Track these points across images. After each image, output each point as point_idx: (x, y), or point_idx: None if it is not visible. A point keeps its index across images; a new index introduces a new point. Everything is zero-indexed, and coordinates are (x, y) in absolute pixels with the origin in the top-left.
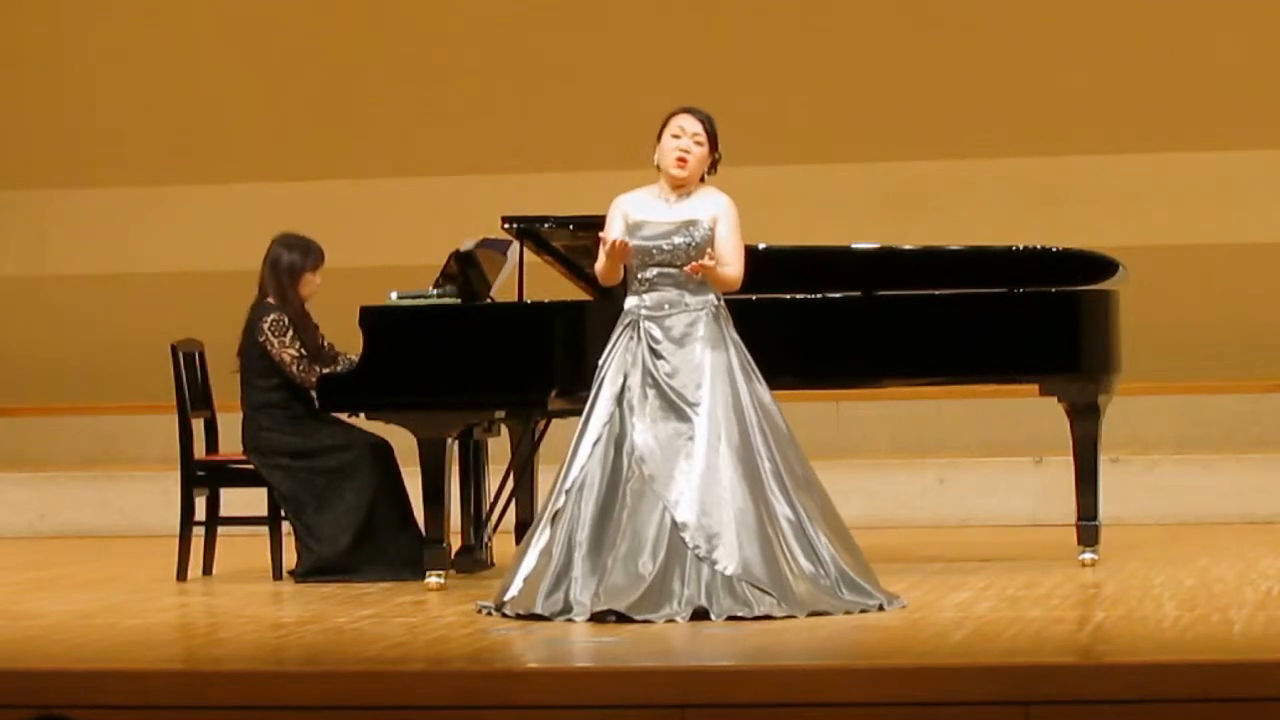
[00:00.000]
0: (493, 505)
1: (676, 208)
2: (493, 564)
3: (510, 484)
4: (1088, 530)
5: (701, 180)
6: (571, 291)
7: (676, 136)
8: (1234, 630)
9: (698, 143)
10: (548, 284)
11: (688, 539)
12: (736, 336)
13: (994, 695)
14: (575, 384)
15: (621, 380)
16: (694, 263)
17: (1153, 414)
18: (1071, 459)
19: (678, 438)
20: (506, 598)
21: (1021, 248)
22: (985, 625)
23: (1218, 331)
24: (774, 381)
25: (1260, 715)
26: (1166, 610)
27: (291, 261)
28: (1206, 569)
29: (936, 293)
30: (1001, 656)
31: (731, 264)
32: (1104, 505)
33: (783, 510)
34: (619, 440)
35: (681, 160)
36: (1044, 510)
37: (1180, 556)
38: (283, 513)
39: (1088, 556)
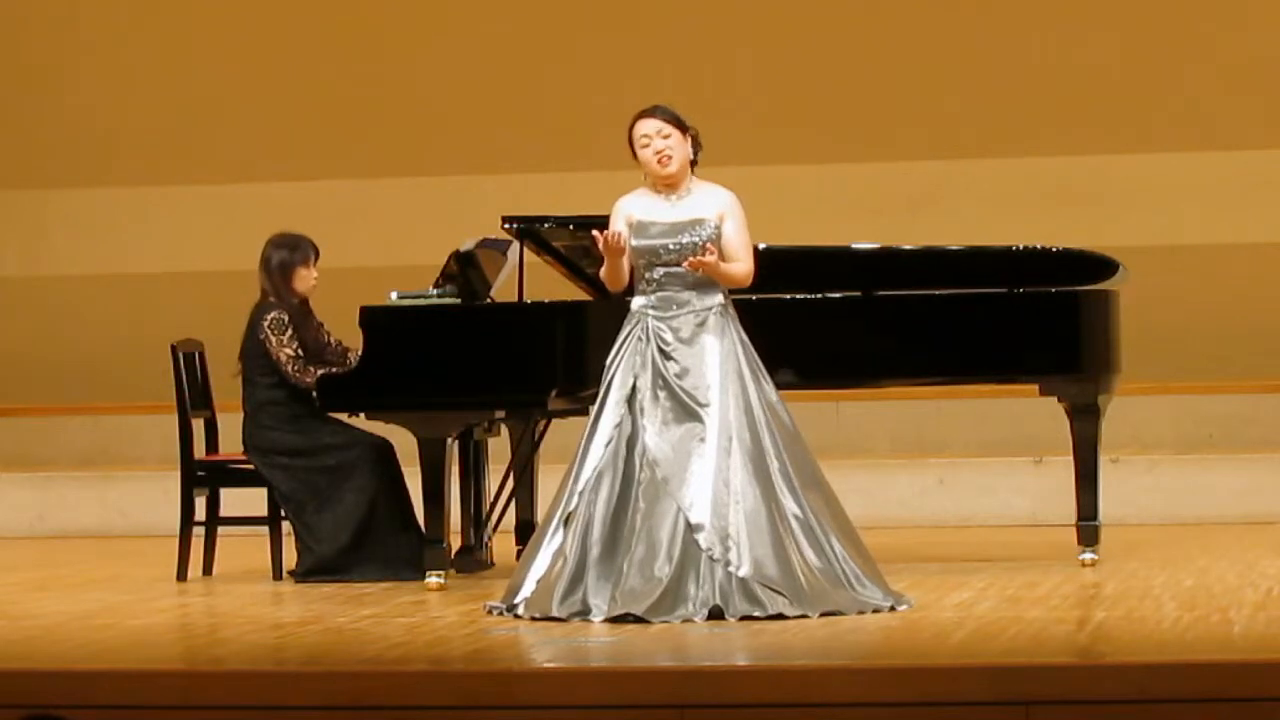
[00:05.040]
0: (493, 505)
1: (679, 206)
2: (493, 564)
3: (510, 484)
4: (1088, 530)
5: (693, 166)
6: (572, 291)
7: (645, 146)
8: (1234, 630)
9: (665, 137)
10: (548, 284)
11: (702, 542)
12: (744, 336)
13: (994, 695)
14: (575, 384)
15: (631, 382)
16: (693, 258)
17: (1153, 414)
18: (1071, 459)
19: (689, 439)
20: (518, 599)
21: (1021, 248)
22: (985, 625)
23: (1218, 332)
24: (774, 381)
25: (1260, 715)
26: (1166, 610)
27: (282, 259)
28: (1206, 569)
29: (936, 292)
30: (1001, 656)
31: (742, 260)
32: (1104, 505)
33: (791, 508)
34: (630, 441)
35: (663, 160)
36: (1044, 510)
37: (1180, 556)
38: (283, 512)
39: (1088, 556)
